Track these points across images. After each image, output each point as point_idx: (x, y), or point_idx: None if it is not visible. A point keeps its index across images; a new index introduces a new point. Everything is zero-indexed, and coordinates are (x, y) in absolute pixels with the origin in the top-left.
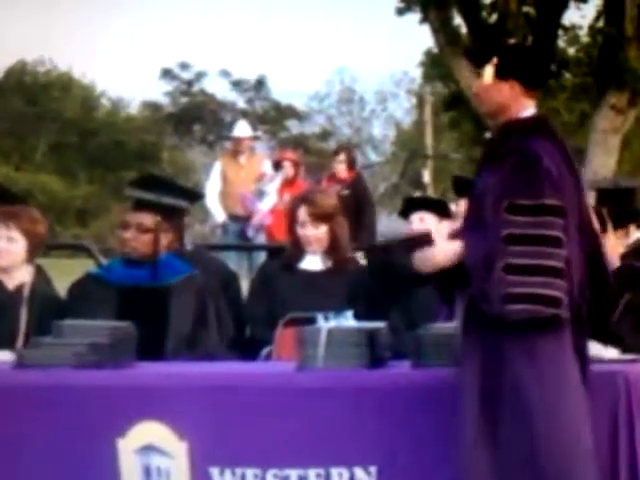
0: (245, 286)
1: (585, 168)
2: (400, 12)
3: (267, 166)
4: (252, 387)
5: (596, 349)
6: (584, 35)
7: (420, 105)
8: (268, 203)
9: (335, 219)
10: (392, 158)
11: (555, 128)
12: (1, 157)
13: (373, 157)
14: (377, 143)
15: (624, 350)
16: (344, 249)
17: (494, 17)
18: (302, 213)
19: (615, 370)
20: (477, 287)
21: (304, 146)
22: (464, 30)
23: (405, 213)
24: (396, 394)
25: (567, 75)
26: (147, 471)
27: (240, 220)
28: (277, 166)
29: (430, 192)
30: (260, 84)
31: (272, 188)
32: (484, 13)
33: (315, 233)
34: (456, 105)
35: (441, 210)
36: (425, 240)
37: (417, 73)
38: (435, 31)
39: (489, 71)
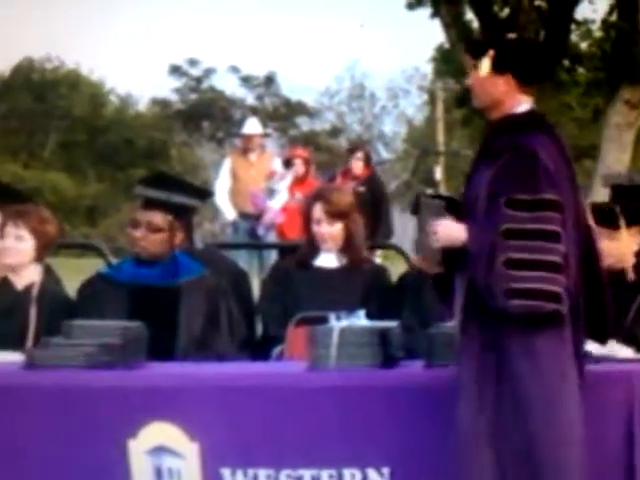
0: (256, 285)
1: (599, 164)
2: (411, 7)
3: (277, 164)
4: (264, 387)
5: (611, 348)
6: (597, 29)
7: (432, 101)
8: (279, 201)
9: (351, 217)
10: (403, 155)
11: (551, 124)
12: (9, 155)
13: (384, 154)
14: (388, 140)
15: (639, 349)
16: (359, 247)
17: (506, 11)
18: (317, 210)
19: (630, 369)
20: (480, 279)
21: (314, 143)
22: (476, 25)
23: (417, 210)
24: (409, 394)
25: (580, 70)
26: (158, 472)
27: (250, 218)
28: (288, 164)
29: (442, 189)
30: (270, 80)
31: (283, 186)
32: (496, 7)
33: (330, 230)
34: (468, 101)
35: (453, 207)
36: None
37: (428, 69)
38: (446, 26)
39: (486, 64)
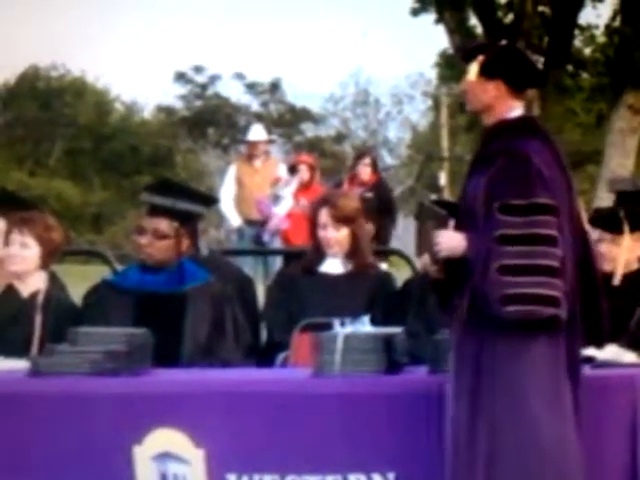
0: (261, 291)
1: (602, 169)
2: (415, 13)
3: (282, 170)
4: (269, 393)
5: (614, 353)
6: (600, 35)
7: (436, 107)
8: (284, 207)
9: (356, 222)
10: (408, 161)
11: (545, 129)
12: (15, 163)
13: (388, 160)
14: (392, 146)
15: None
16: (365, 252)
17: (510, 17)
18: (323, 215)
19: (634, 374)
20: (477, 286)
21: (319, 149)
22: (479, 31)
23: (420, 218)
24: (413, 400)
25: (584, 75)
26: (164, 478)
27: (256, 225)
28: (292, 170)
29: (446, 195)
30: (275, 87)
31: (288, 192)
32: (500, 13)
33: (336, 235)
34: None
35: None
36: None
37: (432, 75)
38: (450, 32)
39: (474, 69)
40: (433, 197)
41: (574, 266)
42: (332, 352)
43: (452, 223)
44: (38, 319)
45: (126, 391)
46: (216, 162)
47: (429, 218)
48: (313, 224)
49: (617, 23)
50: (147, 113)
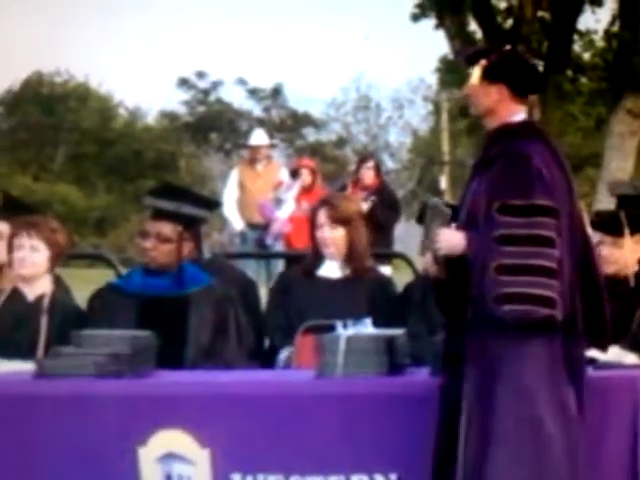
0: (264, 294)
1: (602, 172)
2: (415, 18)
3: (284, 174)
4: (272, 395)
5: (616, 355)
6: (599, 40)
7: (436, 112)
8: (286, 211)
9: (353, 224)
10: (409, 165)
11: (547, 133)
12: (19, 168)
13: (390, 164)
14: (394, 150)
15: None
16: (362, 256)
17: (509, 22)
18: (321, 215)
19: (635, 375)
20: (476, 285)
21: (321, 153)
22: (479, 36)
23: (423, 219)
24: (415, 401)
25: (583, 80)
26: (169, 479)
27: (258, 228)
28: (294, 174)
29: (447, 198)
30: (276, 92)
31: (290, 196)
32: (499, 18)
33: (332, 235)
34: None
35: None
36: None
37: (433, 80)
38: (450, 37)
39: (477, 73)
40: (436, 199)
41: (574, 268)
42: (335, 354)
43: (453, 226)
44: (44, 322)
45: (130, 393)
46: (219, 166)
47: (434, 216)
48: (312, 226)
49: (616, 28)
50: (150, 118)
